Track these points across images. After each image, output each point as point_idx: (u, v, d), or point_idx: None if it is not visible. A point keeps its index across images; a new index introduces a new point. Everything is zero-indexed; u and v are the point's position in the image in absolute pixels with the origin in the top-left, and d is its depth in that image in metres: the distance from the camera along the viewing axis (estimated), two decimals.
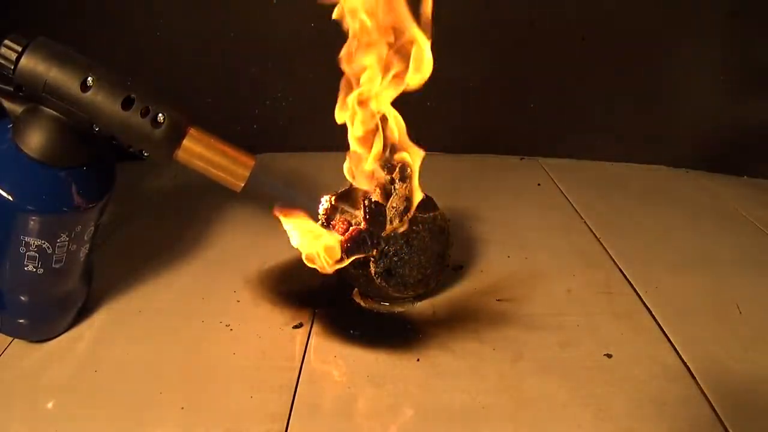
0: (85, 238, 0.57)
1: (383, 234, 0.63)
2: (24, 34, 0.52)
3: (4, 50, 0.50)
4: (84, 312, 0.64)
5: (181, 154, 0.56)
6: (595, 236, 0.87)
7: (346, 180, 0.68)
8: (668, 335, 0.64)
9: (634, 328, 0.66)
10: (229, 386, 0.55)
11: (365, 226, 0.63)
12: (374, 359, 0.60)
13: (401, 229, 0.63)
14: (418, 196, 0.64)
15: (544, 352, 0.61)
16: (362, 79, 0.63)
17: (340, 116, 0.65)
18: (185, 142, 0.56)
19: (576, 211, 0.96)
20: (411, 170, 0.65)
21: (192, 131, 0.56)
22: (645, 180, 1.13)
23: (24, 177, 0.52)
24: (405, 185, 0.64)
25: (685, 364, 0.60)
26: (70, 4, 1.00)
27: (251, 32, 1.08)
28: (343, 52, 0.63)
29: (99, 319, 0.65)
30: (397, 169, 0.65)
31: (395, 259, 0.63)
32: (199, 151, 0.56)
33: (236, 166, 0.58)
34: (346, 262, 0.62)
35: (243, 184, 0.58)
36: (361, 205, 0.65)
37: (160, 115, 0.53)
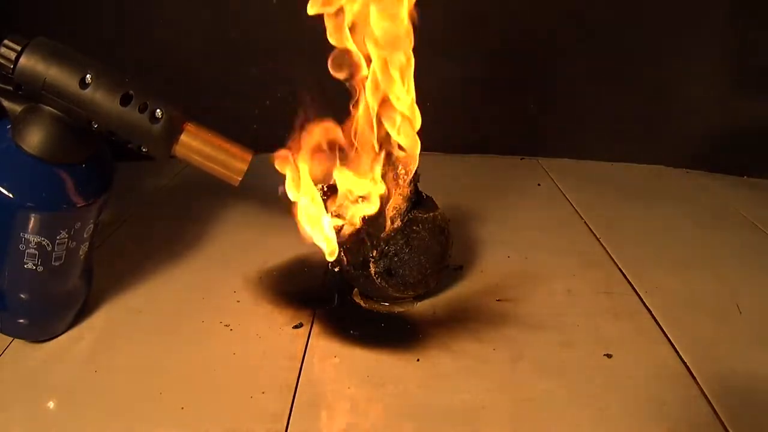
0: (85, 235, 0.57)
1: (383, 234, 0.63)
2: (23, 34, 0.52)
3: (3, 50, 0.50)
4: (84, 312, 0.64)
5: (179, 149, 0.57)
6: (595, 236, 0.87)
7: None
8: (668, 335, 0.64)
9: (634, 328, 0.66)
10: (229, 386, 0.55)
11: (363, 227, 0.63)
12: (374, 359, 0.60)
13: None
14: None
15: (544, 352, 0.61)
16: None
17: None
18: (183, 137, 0.56)
19: (576, 211, 0.96)
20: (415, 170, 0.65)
21: (189, 126, 0.57)
22: (645, 180, 1.13)
23: (23, 174, 0.52)
24: (407, 184, 0.64)
25: (685, 364, 0.60)
26: (70, 5, 1.00)
27: (251, 32, 1.08)
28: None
29: (99, 319, 0.64)
30: (399, 168, 0.65)
31: (395, 259, 0.63)
32: (196, 145, 0.57)
33: (234, 160, 0.58)
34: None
35: (241, 178, 0.59)
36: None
37: (158, 110, 0.54)
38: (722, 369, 0.59)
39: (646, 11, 1.07)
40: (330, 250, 0.64)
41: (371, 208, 0.63)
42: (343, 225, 0.65)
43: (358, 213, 0.64)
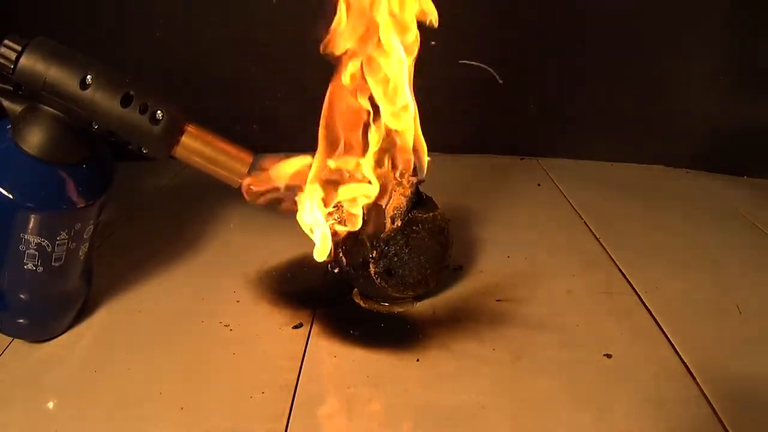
0: (85, 236, 0.57)
1: (383, 234, 0.63)
2: (23, 34, 0.52)
3: (3, 50, 0.50)
4: (84, 312, 0.64)
5: (179, 151, 0.57)
6: (595, 236, 0.87)
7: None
8: (668, 335, 0.64)
9: (634, 328, 0.66)
10: (229, 386, 0.55)
11: (363, 227, 0.63)
12: (374, 359, 0.60)
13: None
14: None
15: (544, 352, 0.61)
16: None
17: None
18: (183, 139, 0.56)
19: (576, 211, 0.96)
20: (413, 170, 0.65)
21: (190, 128, 0.57)
22: (645, 180, 1.13)
23: (23, 175, 0.52)
24: (409, 184, 0.64)
25: (685, 364, 0.60)
26: (70, 5, 1.00)
27: (251, 33, 1.08)
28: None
29: (99, 319, 0.64)
30: (400, 168, 0.65)
31: (395, 259, 0.63)
32: (197, 147, 0.57)
33: (234, 161, 0.58)
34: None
35: (241, 180, 0.59)
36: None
37: (158, 111, 0.54)
38: (722, 369, 0.59)
39: (646, 11, 1.07)
40: (320, 251, 0.64)
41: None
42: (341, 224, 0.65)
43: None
